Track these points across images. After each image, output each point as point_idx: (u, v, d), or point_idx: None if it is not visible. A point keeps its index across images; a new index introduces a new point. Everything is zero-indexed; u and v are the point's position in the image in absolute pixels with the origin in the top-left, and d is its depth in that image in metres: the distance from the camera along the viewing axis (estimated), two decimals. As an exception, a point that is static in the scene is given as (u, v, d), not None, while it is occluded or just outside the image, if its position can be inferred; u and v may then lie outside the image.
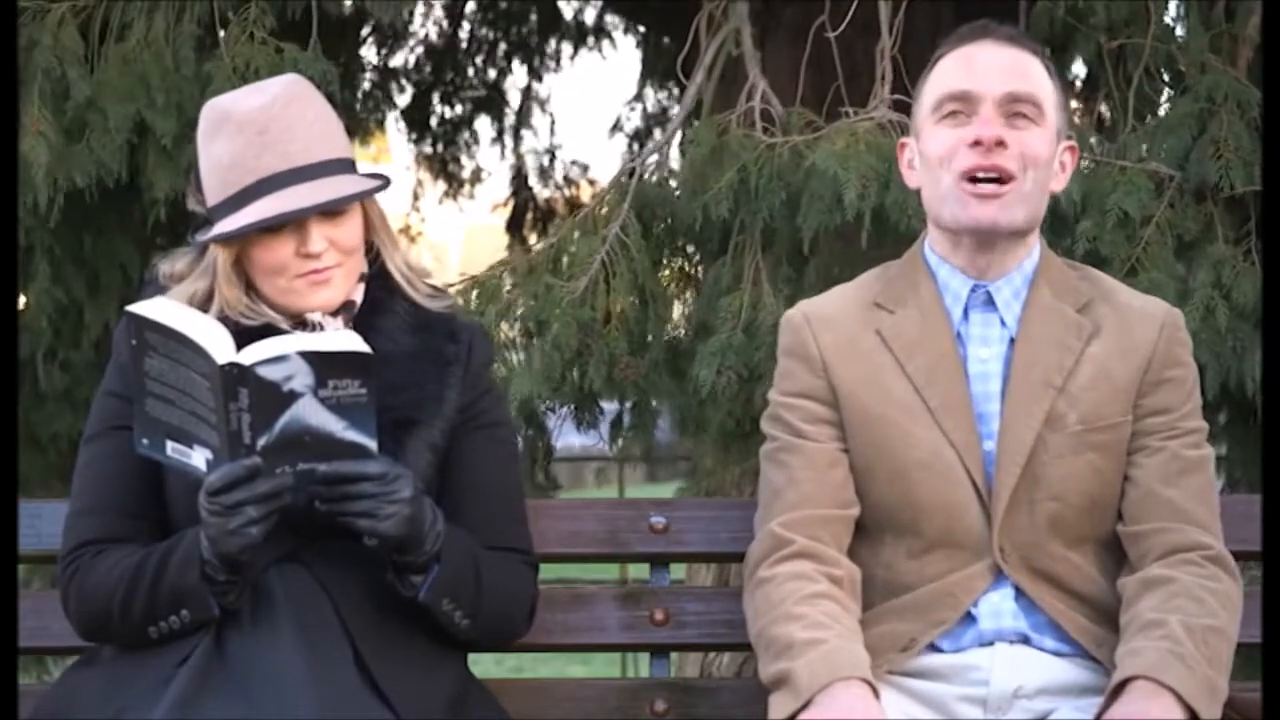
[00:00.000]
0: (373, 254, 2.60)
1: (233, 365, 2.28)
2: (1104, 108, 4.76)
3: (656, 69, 7.47)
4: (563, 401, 3.95)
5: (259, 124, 2.45)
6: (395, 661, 2.44)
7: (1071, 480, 2.53)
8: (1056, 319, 2.58)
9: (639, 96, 7.79)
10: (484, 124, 7.65)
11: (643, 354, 3.93)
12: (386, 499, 2.36)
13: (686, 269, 4.32)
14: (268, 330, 2.48)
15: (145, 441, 2.39)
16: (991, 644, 2.51)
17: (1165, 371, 2.58)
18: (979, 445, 2.54)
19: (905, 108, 2.96)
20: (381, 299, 2.58)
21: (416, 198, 8.12)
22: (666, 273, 4.23)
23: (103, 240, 4.79)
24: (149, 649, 2.43)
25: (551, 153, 7.81)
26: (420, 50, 7.33)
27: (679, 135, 4.38)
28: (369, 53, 6.99)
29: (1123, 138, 4.00)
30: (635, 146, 7.55)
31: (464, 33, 7.39)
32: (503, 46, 7.46)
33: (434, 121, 7.57)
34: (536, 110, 7.79)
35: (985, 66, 2.56)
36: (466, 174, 7.83)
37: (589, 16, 7.42)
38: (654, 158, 4.25)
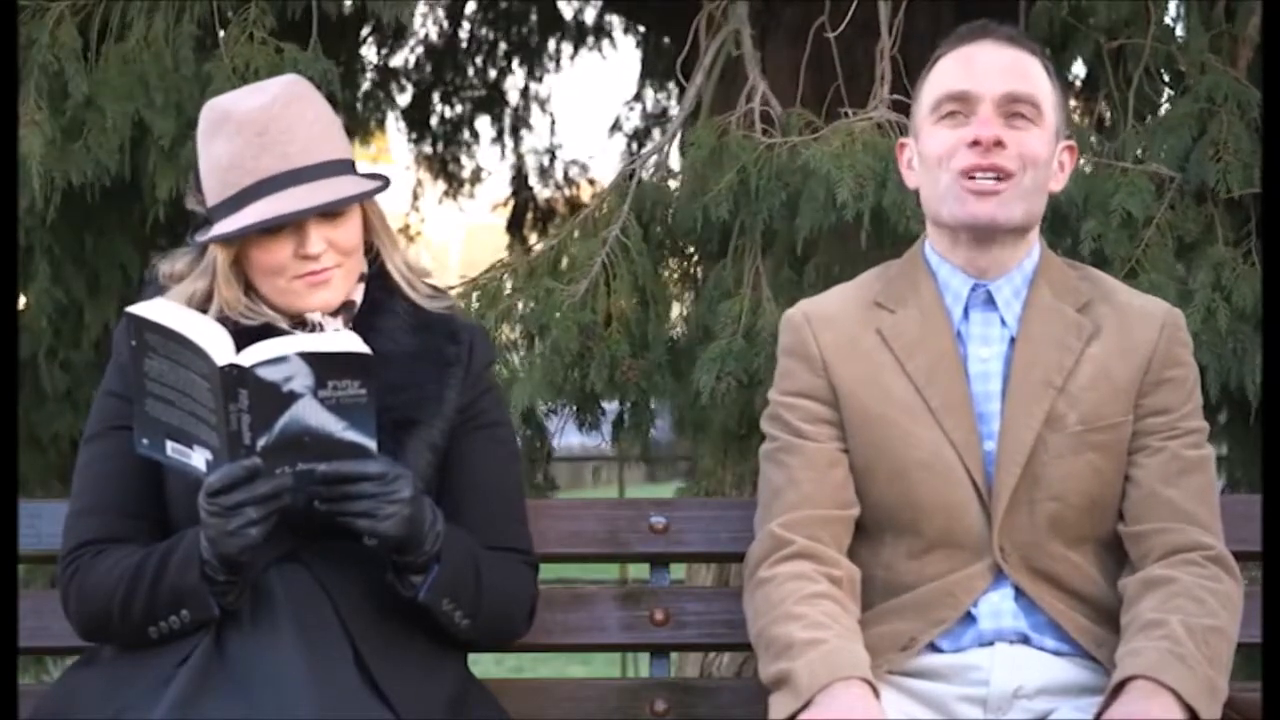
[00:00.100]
0: (372, 254, 2.60)
1: (232, 366, 2.28)
2: (1104, 108, 4.76)
3: (656, 69, 7.48)
4: (565, 403, 3.95)
5: (258, 124, 2.45)
6: (395, 661, 2.44)
7: (1072, 480, 2.53)
8: (1057, 319, 2.58)
9: (639, 96, 7.80)
10: (484, 124, 7.67)
11: (644, 355, 3.92)
12: (386, 499, 2.36)
13: (688, 269, 4.32)
14: (267, 330, 2.47)
15: (145, 442, 2.39)
16: (991, 644, 2.51)
17: (1166, 371, 2.58)
18: (979, 445, 2.54)
19: (905, 108, 2.96)
20: (381, 299, 2.58)
21: (416, 198, 8.14)
22: (666, 274, 4.23)
23: (102, 240, 4.80)
24: (149, 649, 2.43)
25: (551, 153, 7.83)
26: (420, 50, 7.34)
27: (679, 136, 4.38)
28: (369, 52, 7.00)
29: (1123, 138, 3.99)
30: (635, 146, 7.56)
31: (464, 33, 7.40)
32: (503, 46, 7.46)
33: (434, 121, 7.59)
34: (536, 110, 7.81)
35: (984, 67, 2.56)
36: (466, 174, 7.85)
37: (589, 16, 7.43)
38: (654, 159, 4.24)
